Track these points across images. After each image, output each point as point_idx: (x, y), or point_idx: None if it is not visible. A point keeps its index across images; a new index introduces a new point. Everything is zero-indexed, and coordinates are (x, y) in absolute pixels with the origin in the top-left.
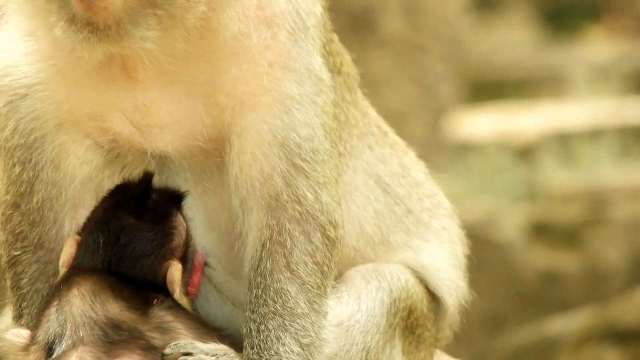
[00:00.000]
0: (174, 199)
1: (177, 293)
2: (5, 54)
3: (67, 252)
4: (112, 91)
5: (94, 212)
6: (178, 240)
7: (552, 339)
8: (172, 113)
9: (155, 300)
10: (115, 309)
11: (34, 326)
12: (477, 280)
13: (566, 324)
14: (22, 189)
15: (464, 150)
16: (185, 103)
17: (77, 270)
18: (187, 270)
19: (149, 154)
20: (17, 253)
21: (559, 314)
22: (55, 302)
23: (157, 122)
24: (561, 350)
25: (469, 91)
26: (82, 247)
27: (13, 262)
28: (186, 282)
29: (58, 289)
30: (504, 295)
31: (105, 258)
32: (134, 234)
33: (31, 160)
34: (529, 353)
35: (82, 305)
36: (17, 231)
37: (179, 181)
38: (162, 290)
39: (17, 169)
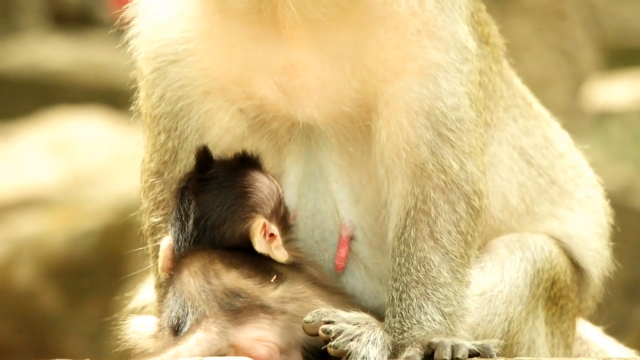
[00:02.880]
0: (245, 161)
1: (257, 245)
2: (152, 18)
3: (162, 256)
4: (261, 50)
5: (170, 206)
6: (257, 197)
7: None
8: (319, 75)
9: (275, 275)
10: (230, 278)
11: (158, 315)
12: (618, 248)
13: None
14: (166, 157)
15: (604, 117)
16: (332, 65)
17: (182, 255)
18: (286, 227)
19: (294, 120)
20: (157, 220)
21: None
22: (171, 288)
23: (304, 84)
24: None
25: (609, 58)
26: (174, 240)
27: (154, 230)
28: (333, 256)
29: (170, 277)
30: None
31: (195, 239)
32: (202, 207)
33: (177, 128)
34: None
35: (197, 282)
36: (158, 199)
37: (324, 151)
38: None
39: (162, 137)
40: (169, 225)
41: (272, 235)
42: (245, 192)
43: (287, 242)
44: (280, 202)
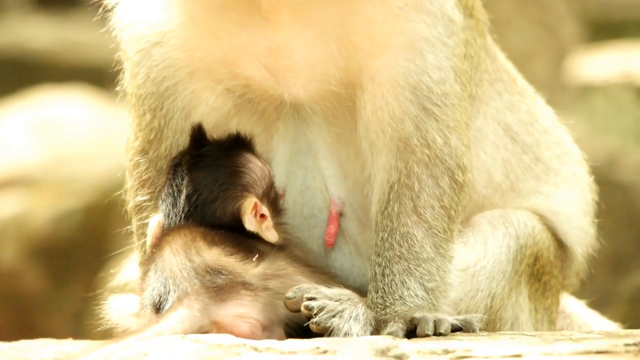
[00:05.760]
0: (238, 142)
1: (247, 223)
2: (137, 3)
3: (151, 233)
4: (246, 34)
5: (162, 183)
6: (250, 177)
7: None
8: (306, 56)
9: (257, 253)
10: (212, 255)
11: (140, 293)
12: (600, 222)
13: None
14: (151, 136)
15: (587, 90)
16: (319, 45)
17: (164, 233)
18: (276, 210)
19: (281, 99)
20: (143, 199)
21: None
22: (152, 266)
23: (291, 65)
24: None
25: (591, 31)
26: (165, 216)
27: (139, 208)
28: (322, 232)
29: (151, 254)
30: (627, 236)
31: (186, 215)
32: (195, 183)
33: (162, 108)
34: None
35: (178, 259)
36: (144, 177)
37: (312, 128)
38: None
39: (148, 117)
40: (160, 201)
41: (262, 216)
42: (238, 172)
43: (277, 225)
44: (271, 185)
